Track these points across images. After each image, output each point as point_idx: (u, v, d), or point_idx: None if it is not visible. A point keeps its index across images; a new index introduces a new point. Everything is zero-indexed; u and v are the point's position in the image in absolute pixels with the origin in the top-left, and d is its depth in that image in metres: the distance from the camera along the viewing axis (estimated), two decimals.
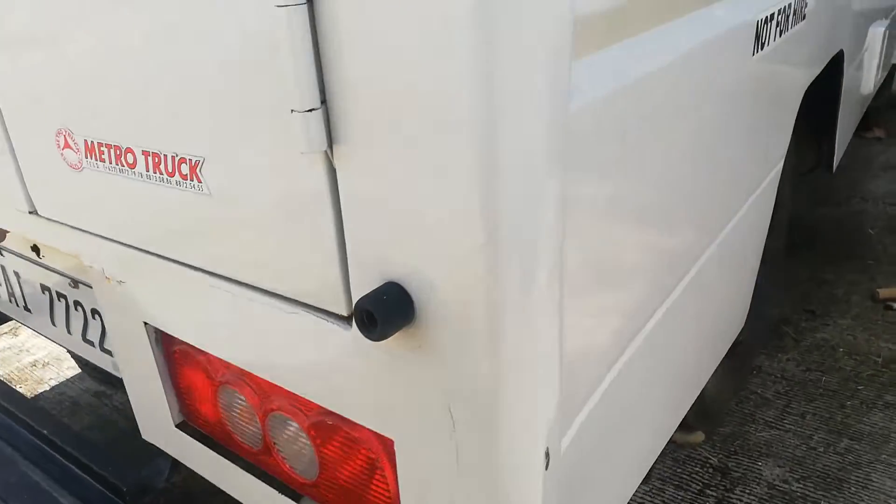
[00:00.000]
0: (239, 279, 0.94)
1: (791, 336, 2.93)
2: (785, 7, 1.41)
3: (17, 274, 1.76)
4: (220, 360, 1.05)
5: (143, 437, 1.39)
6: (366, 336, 0.72)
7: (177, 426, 1.26)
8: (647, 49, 0.79)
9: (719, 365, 2.28)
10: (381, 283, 0.75)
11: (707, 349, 1.50)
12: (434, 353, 0.75)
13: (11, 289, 1.83)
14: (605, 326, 0.87)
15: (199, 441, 1.23)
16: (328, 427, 0.95)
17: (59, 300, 1.65)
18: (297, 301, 0.88)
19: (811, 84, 1.92)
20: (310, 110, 0.69)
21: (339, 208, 0.76)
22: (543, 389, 0.78)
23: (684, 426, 2.28)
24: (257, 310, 0.93)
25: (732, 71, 1.16)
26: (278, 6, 0.65)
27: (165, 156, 0.92)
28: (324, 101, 0.71)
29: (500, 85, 0.61)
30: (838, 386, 2.61)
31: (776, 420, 2.46)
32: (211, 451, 1.20)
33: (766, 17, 1.29)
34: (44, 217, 1.22)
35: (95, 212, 1.11)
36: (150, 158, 0.94)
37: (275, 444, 1.06)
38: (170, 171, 0.92)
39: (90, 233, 1.15)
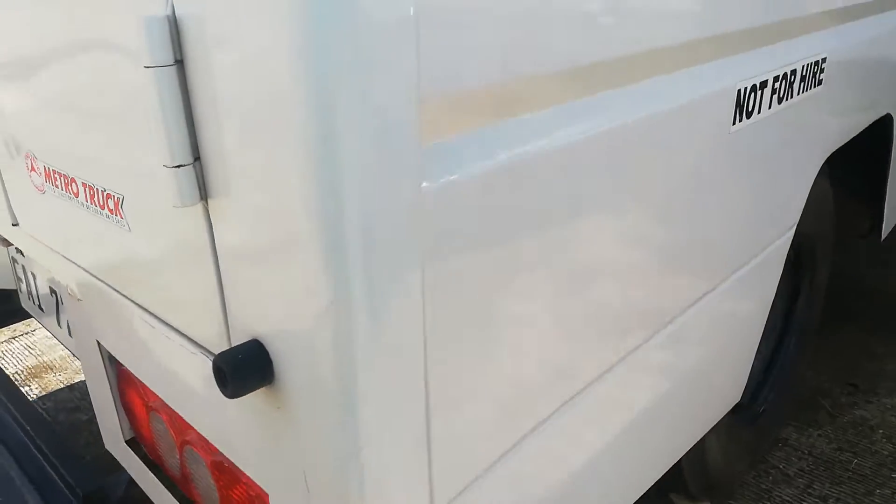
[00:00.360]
0: (156, 314, 0.97)
1: (827, 410, 2.75)
2: (786, 74, 1.33)
3: (33, 275, 1.87)
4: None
5: (106, 447, 1.44)
6: (221, 392, 0.72)
7: (126, 442, 1.30)
8: (552, 125, 0.77)
9: (732, 433, 2.16)
10: (247, 340, 0.75)
11: (678, 423, 1.42)
12: (291, 418, 0.74)
13: (30, 288, 1.94)
14: (493, 403, 0.84)
15: (141, 459, 1.26)
16: (226, 469, 0.95)
17: (63, 304, 1.73)
18: (197, 343, 0.89)
19: (852, 148, 1.82)
20: (179, 166, 0.70)
21: (217, 260, 0.77)
22: (406, 466, 0.76)
23: (688, 495, 2.17)
24: (170, 346, 0.95)
25: (696, 143, 1.10)
26: (146, 67, 0.67)
27: (98, 189, 0.96)
28: (198, 158, 0.72)
29: (341, 158, 0.61)
30: (870, 471, 2.42)
31: (794, 500, 2.31)
32: (149, 471, 1.23)
33: (754, 85, 1.22)
34: (24, 231, 1.30)
35: (56, 232, 1.16)
36: (87, 190, 0.98)
37: (190, 475, 1.08)
38: (101, 204, 0.96)
39: (54, 250, 1.20)
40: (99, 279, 1.09)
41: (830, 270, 2.69)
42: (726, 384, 1.61)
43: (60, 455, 1.54)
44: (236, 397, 0.72)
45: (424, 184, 0.66)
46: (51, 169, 1.07)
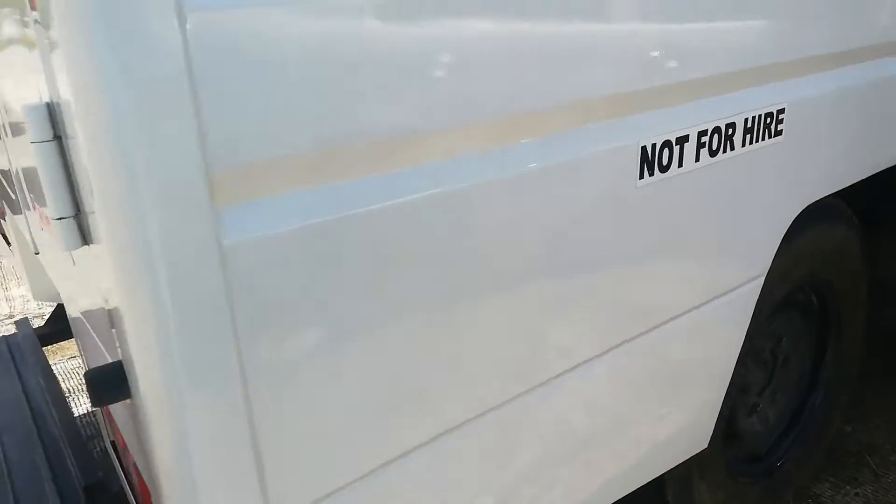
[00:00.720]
0: (97, 334, 1.16)
1: (871, 468, 2.58)
2: (718, 128, 1.36)
3: None
4: None
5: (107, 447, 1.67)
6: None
7: (111, 442, 1.52)
8: (363, 191, 0.89)
9: (735, 486, 2.11)
10: (116, 360, 0.92)
11: (602, 467, 1.44)
12: (146, 430, 0.90)
13: None
14: (327, 433, 0.95)
15: (117, 459, 1.46)
16: (137, 468, 1.12)
17: None
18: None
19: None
20: (60, 218, 0.89)
21: (105, 295, 0.94)
22: (236, 485, 0.88)
23: None
24: (104, 359, 1.14)
25: (584, 200, 1.17)
26: (32, 142, 0.86)
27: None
28: (79, 212, 0.90)
29: (145, 223, 0.76)
30: None
31: None
32: (120, 470, 1.43)
33: (667, 140, 1.26)
34: (42, 259, 1.55)
35: (54, 261, 1.40)
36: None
37: (130, 475, 1.26)
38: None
39: (57, 276, 1.45)
40: (77, 304, 1.31)
41: (880, 322, 2.55)
42: (681, 429, 1.61)
43: (76, 449, 1.79)
44: (97, 406, 0.89)
45: (225, 241, 0.80)
46: (37, 205, 1.31)
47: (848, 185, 1.78)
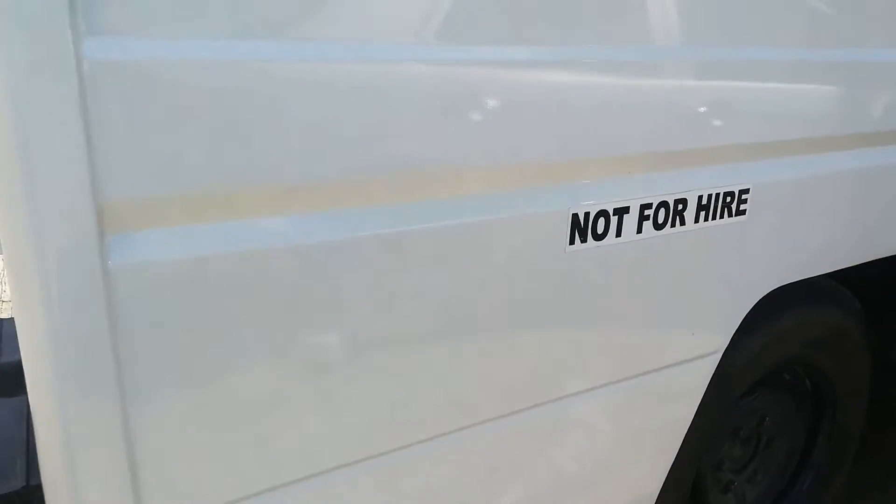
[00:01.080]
0: None
1: None
2: (665, 202, 1.36)
3: None
4: None
5: None
6: None
7: None
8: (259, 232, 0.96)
9: None
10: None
11: None
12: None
13: None
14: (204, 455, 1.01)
15: None
16: None
17: None
18: None
19: None
20: None
21: None
22: (111, 485, 0.96)
23: None
24: None
25: (506, 261, 1.20)
26: None
27: None
28: None
29: (40, 251, 0.85)
30: None
31: None
32: None
33: (604, 210, 1.28)
34: None
35: None
36: None
37: None
38: None
39: None
40: None
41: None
42: (618, 496, 1.59)
43: None
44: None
45: (110, 263, 0.88)
46: None
47: (826, 272, 1.74)
